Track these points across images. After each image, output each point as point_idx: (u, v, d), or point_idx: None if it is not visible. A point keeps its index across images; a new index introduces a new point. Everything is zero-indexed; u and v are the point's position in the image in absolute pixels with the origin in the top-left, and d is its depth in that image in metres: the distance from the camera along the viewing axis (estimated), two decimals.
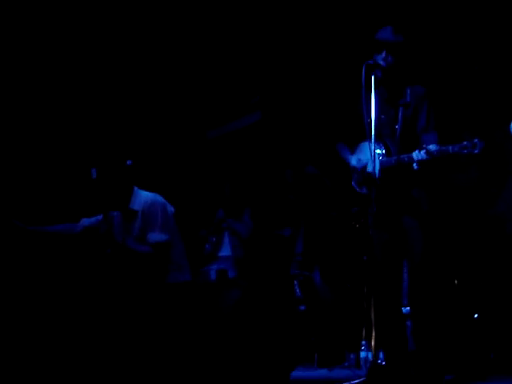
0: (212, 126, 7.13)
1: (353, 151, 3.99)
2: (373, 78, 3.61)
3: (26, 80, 5.87)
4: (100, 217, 4.45)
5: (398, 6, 5.15)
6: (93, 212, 4.56)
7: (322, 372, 4.92)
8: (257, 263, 5.83)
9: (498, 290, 4.60)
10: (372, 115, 3.58)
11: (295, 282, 5.56)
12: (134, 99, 6.53)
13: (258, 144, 6.72)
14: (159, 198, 4.38)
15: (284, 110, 6.48)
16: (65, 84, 6.11)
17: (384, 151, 3.75)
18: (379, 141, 3.75)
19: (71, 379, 3.85)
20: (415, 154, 3.59)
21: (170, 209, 4.40)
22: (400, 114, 3.83)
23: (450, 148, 3.47)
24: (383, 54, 3.77)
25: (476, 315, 4.54)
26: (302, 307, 5.44)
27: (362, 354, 4.72)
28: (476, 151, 3.39)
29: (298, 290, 5.52)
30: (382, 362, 3.97)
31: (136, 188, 4.38)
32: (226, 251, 5.90)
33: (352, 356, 4.96)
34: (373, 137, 3.56)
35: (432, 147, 3.53)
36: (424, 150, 3.55)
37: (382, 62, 3.76)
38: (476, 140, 3.39)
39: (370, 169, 3.71)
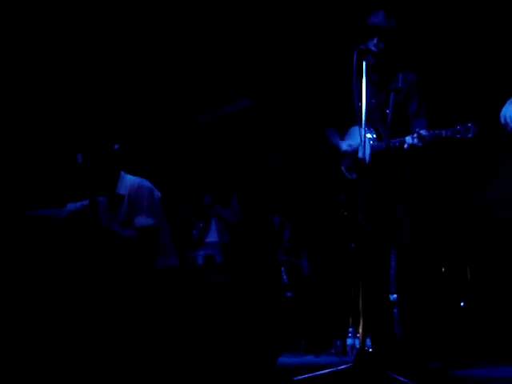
0: (201, 111, 7.09)
1: (342, 136, 3.97)
2: (364, 63, 3.58)
3: (9, 64, 5.80)
4: (86, 202, 4.42)
5: None
6: (79, 197, 4.53)
7: (309, 358, 4.93)
8: (244, 249, 5.83)
9: (484, 278, 4.62)
10: (363, 100, 3.56)
11: (282, 268, 5.56)
12: (122, 83, 6.48)
13: (247, 130, 6.69)
14: (146, 183, 4.35)
15: (273, 96, 6.45)
16: (50, 68, 6.05)
17: (375, 135, 3.74)
18: (370, 125, 3.74)
19: (55, 365, 3.84)
20: (408, 139, 3.58)
21: (157, 193, 4.38)
22: (391, 99, 3.82)
23: (444, 132, 3.46)
24: (375, 41, 3.75)
25: (462, 303, 4.56)
26: (289, 294, 5.44)
27: (349, 341, 4.74)
28: (470, 135, 3.38)
29: (284, 277, 5.52)
30: (368, 348, 3.97)
31: (123, 173, 4.36)
32: (213, 237, 5.89)
33: (338, 343, 4.97)
34: (363, 122, 3.54)
35: (425, 132, 3.52)
36: (416, 135, 3.54)
37: (373, 48, 3.75)
38: (470, 124, 3.38)
39: (360, 154, 3.70)
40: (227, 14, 6.13)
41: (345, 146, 3.90)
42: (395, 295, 4.19)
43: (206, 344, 4.25)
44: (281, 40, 6.14)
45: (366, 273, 3.70)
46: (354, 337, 4.68)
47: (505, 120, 3.68)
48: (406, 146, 3.59)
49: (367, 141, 3.68)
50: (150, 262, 4.28)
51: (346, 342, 4.76)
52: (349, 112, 3.67)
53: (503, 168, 4.73)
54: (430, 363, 3.87)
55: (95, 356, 3.90)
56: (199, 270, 5.41)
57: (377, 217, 3.79)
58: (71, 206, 4.48)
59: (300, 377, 3.33)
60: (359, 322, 3.51)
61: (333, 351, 5.00)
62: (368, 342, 4.17)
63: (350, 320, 4.78)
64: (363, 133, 3.57)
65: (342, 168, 3.94)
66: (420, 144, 3.55)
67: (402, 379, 3.14)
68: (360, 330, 3.52)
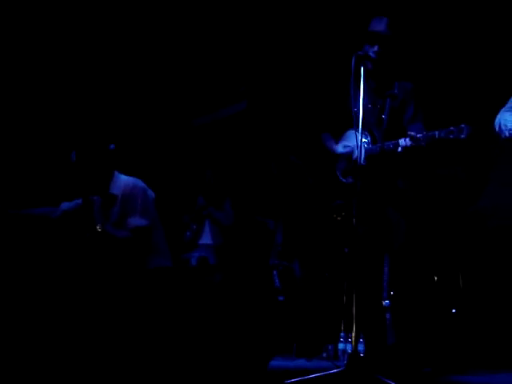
0: (198, 113, 7.09)
1: (338, 141, 3.99)
2: (362, 69, 3.60)
3: (4, 62, 5.79)
4: (80, 201, 4.41)
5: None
6: (72, 195, 4.51)
7: (301, 362, 4.93)
8: (236, 252, 5.83)
9: (477, 286, 4.64)
10: (360, 105, 3.57)
11: (274, 272, 5.56)
12: (120, 84, 6.47)
13: (242, 133, 6.70)
14: (140, 183, 4.34)
15: (270, 100, 6.46)
16: (47, 67, 6.04)
17: (369, 139, 3.76)
18: (365, 129, 3.75)
19: (48, 365, 3.82)
20: (401, 141, 3.60)
21: (151, 194, 4.37)
22: (387, 105, 3.84)
23: (437, 133, 3.48)
24: (376, 48, 3.77)
25: (454, 310, 4.58)
26: (281, 297, 5.44)
27: (341, 346, 4.73)
28: (463, 136, 3.39)
29: (277, 280, 5.52)
30: (360, 353, 3.98)
31: (116, 172, 4.34)
32: (206, 239, 5.90)
33: (330, 347, 4.97)
34: (360, 126, 3.55)
35: (418, 133, 3.54)
36: (409, 137, 3.55)
37: (372, 54, 3.76)
38: (463, 125, 3.39)
39: (355, 157, 3.72)
40: (224, 16, 6.14)
41: (340, 147, 3.92)
42: (387, 301, 4.20)
43: (198, 346, 4.25)
44: (278, 43, 6.15)
45: (359, 278, 3.71)
46: (346, 341, 4.68)
47: (499, 128, 3.70)
48: (399, 148, 3.60)
49: (362, 145, 3.70)
50: (143, 262, 4.27)
51: (337, 346, 4.76)
52: (344, 116, 3.69)
53: (496, 176, 4.76)
54: (421, 368, 3.88)
55: (87, 355, 3.89)
56: (193, 271, 5.41)
57: (371, 221, 3.80)
58: (65, 205, 4.46)
59: (291, 380, 3.34)
60: (351, 327, 3.52)
61: (324, 355, 5.00)
62: (360, 346, 4.19)
63: (342, 325, 4.78)
64: (359, 137, 3.58)
65: (337, 172, 3.95)
66: (414, 144, 3.56)
67: None
68: (352, 335, 3.53)
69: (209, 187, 5.97)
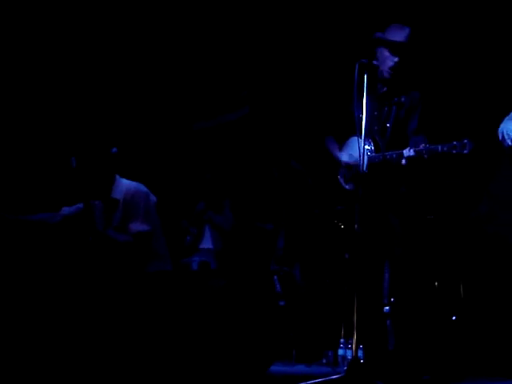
0: (199, 118, 7.10)
1: (341, 146, 3.99)
2: (365, 76, 3.61)
3: (5, 66, 5.81)
4: (81, 205, 4.41)
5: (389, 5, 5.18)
6: (73, 200, 4.52)
7: (300, 368, 4.94)
8: (237, 257, 5.83)
9: (477, 293, 4.64)
10: (363, 113, 3.58)
11: (275, 277, 5.56)
12: (121, 88, 6.48)
13: (244, 138, 6.70)
14: (142, 188, 4.34)
15: (273, 105, 6.47)
16: (47, 71, 6.05)
17: (373, 147, 3.76)
18: (369, 136, 3.76)
19: (49, 370, 3.83)
20: (405, 151, 3.61)
21: (153, 198, 4.37)
22: (393, 113, 3.85)
23: (440, 147, 3.49)
24: (397, 58, 3.76)
25: (454, 317, 4.58)
26: (282, 302, 5.44)
27: (340, 352, 4.73)
28: (465, 151, 3.40)
29: (277, 286, 5.52)
30: (360, 360, 3.98)
31: (118, 177, 4.34)
32: (206, 244, 5.89)
33: (330, 353, 4.98)
34: (363, 134, 3.56)
35: (421, 145, 3.55)
36: (413, 149, 3.56)
37: (391, 63, 3.76)
38: (466, 140, 3.40)
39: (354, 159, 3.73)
40: (227, 21, 6.15)
41: (345, 157, 3.92)
42: (388, 307, 4.21)
43: (198, 350, 4.25)
44: (281, 48, 6.16)
45: (360, 284, 3.72)
46: (346, 347, 4.69)
47: (502, 136, 3.71)
48: (403, 161, 3.61)
49: (365, 152, 3.71)
50: (144, 266, 4.28)
51: (337, 352, 4.76)
52: (348, 122, 3.70)
53: (497, 183, 4.77)
54: (420, 375, 3.88)
55: (88, 358, 3.90)
56: (195, 275, 5.41)
57: (371, 228, 3.81)
58: (65, 210, 4.46)
59: None
60: (351, 333, 3.53)
61: (324, 361, 5.00)
62: (360, 352, 4.19)
63: (342, 331, 4.78)
64: (362, 144, 3.59)
65: (339, 178, 3.95)
66: (416, 156, 3.57)
67: None
68: (352, 341, 3.53)
69: (208, 191, 5.97)
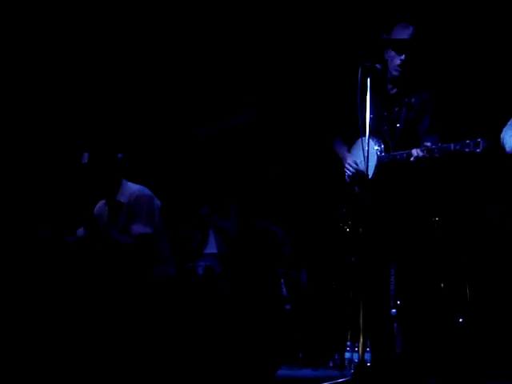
0: (204, 122, 7.11)
1: (349, 148, 3.98)
2: (369, 80, 3.61)
3: (20, 68, 5.84)
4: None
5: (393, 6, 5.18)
6: (79, 196, 4.55)
7: (307, 371, 4.93)
8: (243, 261, 5.83)
9: (484, 295, 4.63)
10: (367, 116, 3.58)
11: (282, 280, 5.56)
12: (126, 92, 6.50)
13: (249, 142, 6.71)
14: (146, 191, 4.35)
15: (278, 109, 6.47)
16: (62, 76, 6.09)
17: (383, 146, 3.74)
18: (379, 137, 3.75)
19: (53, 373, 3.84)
20: (413, 151, 3.58)
21: (157, 202, 4.37)
22: (403, 114, 3.83)
23: (452, 146, 3.44)
24: (403, 56, 3.76)
25: (461, 319, 4.57)
26: (288, 306, 5.44)
27: (347, 355, 4.73)
28: (478, 150, 3.35)
29: (284, 289, 5.52)
30: (367, 363, 3.98)
31: (124, 180, 4.36)
32: (211, 248, 5.88)
33: (336, 356, 4.97)
34: (367, 137, 3.56)
35: (432, 145, 3.52)
36: (424, 148, 3.54)
37: (398, 61, 3.76)
38: (479, 139, 3.35)
39: (361, 167, 3.71)
40: (232, 26, 6.17)
41: (353, 161, 3.92)
42: (394, 310, 4.20)
43: (204, 354, 4.25)
44: (286, 53, 6.17)
45: (366, 287, 3.71)
46: (352, 351, 4.69)
47: (502, 142, 3.69)
48: (412, 158, 3.58)
49: (374, 152, 3.70)
50: (148, 270, 4.28)
51: (344, 355, 4.76)
52: (356, 124, 3.69)
53: (501, 189, 4.76)
54: (428, 378, 3.88)
55: (91, 362, 3.91)
56: (200, 280, 5.41)
57: (377, 230, 3.80)
58: (80, 232, 4.47)
59: None
60: (358, 336, 3.52)
61: (331, 364, 5.00)
62: (366, 356, 4.19)
63: (349, 334, 4.78)
64: (366, 148, 3.59)
65: (346, 178, 3.94)
66: (427, 156, 3.54)
67: None
68: (358, 344, 3.53)
69: (212, 194, 5.96)
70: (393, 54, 3.81)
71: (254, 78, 6.54)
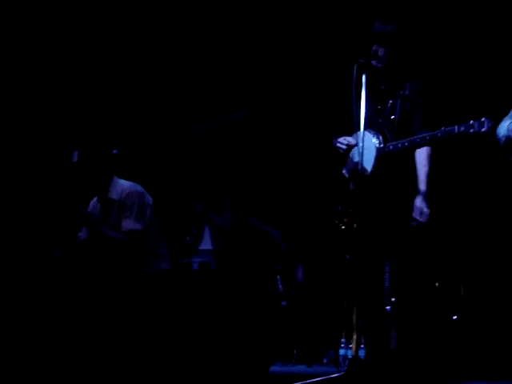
0: (200, 119, 7.11)
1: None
2: (364, 76, 3.61)
3: (12, 65, 5.83)
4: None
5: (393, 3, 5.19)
6: (71, 195, 4.55)
7: (301, 368, 4.95)
8: (239, 257, 5.83)
9: (478, 292, 4.65)
10: (362, 113, 3.58)
11: (278, 277, 5.58)
12: (120, 88, 6.50)
13: (244, 139, 6.71)
14: (137, 188, 4.35)
15: (273, 106, 6.48)
16: (51, 71, 6.08)
17: (381, 139, 3.74)
18: (376, 130, 3.76)
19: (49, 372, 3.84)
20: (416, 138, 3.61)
21: (149, 198, 4.38)
22: (398, 106, 3.83)
23: (456, 128, 3.42)
24: (374, 47, 3.78)
25: (455, 317, 4.59)
26: (284, 303, 5.45)
27: (341, 352, 4.75)
28: (484, 129, 3.32)
29: (280, 286, 5.53)
30: (361, 358, 3.99)
31: (115, 177, 4.36)
32: (206, 245, 5.87)
33: (331, 353, 4.99)
34: (361, 136, 3.57)
35: (435, 132, 3.52)
36: (425, 136, 3.55)
37: (381, 54, 3.77)
38: (484, 118, 3.33)
39: (359, 166, 3.71)
40: (227, 23, 6.16)
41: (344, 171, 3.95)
42: (388, 307, 4.21)
43: (199, 350, 4.26)
44: (281, 50, 6.17)
45: (361, 284, 3.72)
46: (347, 347, 4.70)
47: (500, 137, 3.69)
48: (418, 139, 3.59)
49: (372, 145, 3.70)
50: (142, 266, 4.29)
51: (338, 352, 4.78)
52: (349, 120, 3.70)
53: (497, 185, 4.77)
54: (422, 374, 3.89)
55: (86, 360, 3.91)
56: (196, 275, 5.41)
57: (373, 228, 3.80)
58: (82, 235, 4.48)
59: None
60: (352, 333, 3.53)
61: (325, 361, 5.01)
62: (361, 352, 4.20)
63: (343, 331, 4.79)
64: (360, 145, 3.59)
65: (344, 172, 3.94)
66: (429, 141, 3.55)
67: None
68: (353, 341, 3.53)
69: (207, 191, 5.95)
70: (375, 47, 3.82)
71: (250, 75, 6.54)
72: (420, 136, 3.61)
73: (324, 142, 4.16)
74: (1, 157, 5.67)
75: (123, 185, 4.33)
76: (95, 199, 4.45)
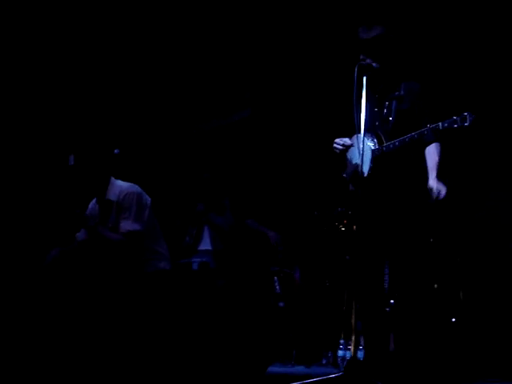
0: (201, 120, 7.12)
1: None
2: (364, 78, 3.63)
3: (11, 66, 5.84)
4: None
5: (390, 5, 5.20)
6: (69, 197, 4.56)
7: (300, 368, 4.95)
8: (237, 258, 5.84)
9: (477, 295, 4.66)
10: (362, 115, 3.60)
11: (275, 278, 5.58)
12: (120, 88, 6.50)
13: (245, 140, 6.72)
14: (135, 188, 4.37)
15: (275, 107, 6.49)
16: (48, 71, 6.08)
17: (376, 141, 3.76)
18: (372, 133, 3.77)
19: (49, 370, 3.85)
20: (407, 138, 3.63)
21: (147, 199, 4.39)
22: (393, 107, 3.84)
23: (440, 124, 3.48)
24: (361, 56, 3.80)
25: (454, 319, 4.60)
26: (281, 304, 5.46)
27: (340, 353, 4.75)
28: (466, 124, 3.38)
29: (277, 287, 5.54)
30: (359, 359, 3.99)
31: (113, 178, 4.37)
32: (205, 245, 5.88)
33: (329, 354, 4.99)
34: (362, 136, 3.58)
35: (422, 129, 3.56)
36: (414, 133, 3.57)
37: (369, 61, 3.79)
38: (465, 113, 3.40)
39: (359, 168, 3.72)
40: (230, 23, 6.17)
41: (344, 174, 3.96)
42: (387, 308, 4.21)
43: (197, 350, 4.27)
44: (284, 51, 6.18)
45: (361, 285, 3.73)
46: (345, 348, 4.70)
47: None
48: (407, 139, 3.61)
49: (368, 148, 3.72)
50: (142, 266, 4.30)
51: (337, 353, 4.78)
52: (350, 122, 3.71)
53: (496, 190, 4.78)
54: (420, 376, 3.90)
55: (85, 359, 3.92)
56: (195, 274, 5.42)
57: (372, 229, 3.81)
58: (80, 236, 4.49)
59: None
60: (351, 334, 3.54)
61: (324, 362, 5.02)
62: (359, 353, 4.21)
63: (342, 332, 4.80)
64: (361, 146, 3.61)
65: (344, 175, 3.96)
66: (416, 138, 3.58)
67: None
68: (351, 342, 3.54)
69: (207, 191, 5.96)
70: (362, 56, 3.84)
71: (252, 76, 6.55)
72: (409, 135, 3.63)
73: (324, 143, 4.17)
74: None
75: (121, 186, 4.34)
76: (94, 200, 4.46)
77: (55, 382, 3.76)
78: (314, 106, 5.88)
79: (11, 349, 4.02)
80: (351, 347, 3.50)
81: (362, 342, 4.01)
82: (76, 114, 6.14)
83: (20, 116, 5.91)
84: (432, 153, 3.78)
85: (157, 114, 6.85)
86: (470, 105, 4.02)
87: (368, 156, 3.72)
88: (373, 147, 3.74)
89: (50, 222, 5.28)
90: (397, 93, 3.87)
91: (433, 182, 3.72)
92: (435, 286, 4.76)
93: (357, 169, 3.72)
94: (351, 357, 3.44)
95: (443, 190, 3.70)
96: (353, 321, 3.46)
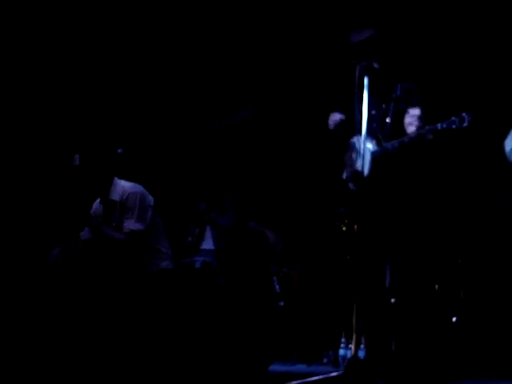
0: (202, 120, 7.13)
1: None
2: (366, 79, 3.64)
3: (13, 66, 5.85)
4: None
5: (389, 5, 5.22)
6: (72, 198, 4.58)
7: (301, 367, 4.97)
8: (237, 257, 5.85)
9: (477, 294, 4.67)
10: (363, 115, 3.61)
11: (274, 278, 5.59)
12: (122, 89, 6.51)
13: (246, 140, 6.73)
14: (138, 188, 4.39)
15: (276, 108, 6.50)
16: (52, 71, 6.10)
17: (375, 143, 3.78)
18: (370, 135, 3.79)
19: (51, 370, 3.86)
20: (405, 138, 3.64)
21: (150, 198, 4.41)
22: (391, 108, 3.86)
23: (439, 125, 3.50)
24: (353, 61, 3.82)
25: (454, 318, 4.61)
26: (281, 303, 5.47)
27: (341, 352, 4.76)
28: (465, 124, 3.40)
29: (277, 286, 5.55)
30: (361, 358, 4.01)
31: (116, 178, 4.39)
32: (208, 244, 5.89)
33: (330, 353, 5.00)
34: (363, 137, 3.60)
35: (420, 129, 3.57)
36: (411, 134, 3.59)
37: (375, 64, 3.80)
38: (464, 114, 3.41)
39: (359, 167, 3.74)
40: (231, 24, 6.18)
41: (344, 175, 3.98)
42: (388, 308, 4.23)
43: (198, 350, 4.28)
44: (285, 52, 6.19)
45: (362, 285, 3.74)
46: (346, 347, 4.71)
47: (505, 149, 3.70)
48: (406, 139, 3.63)
49: (367, 149, 3.74)
50: (145, 265, 4.33)
51: (338, 352, 4.79)
52: (350, 122, 3.73)
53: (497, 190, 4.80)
54: (421, 375, 3.92)
55: (87, 358, 3.93)
56: (198, 273, 5.44)
57: (373, 229, 3.83)
58: (84, 235, 4.51)
59: (291, 383, 3.38)
60: (352, 333, 3.56)
61: (325, 361, 5.03)
62: (360, 352, 4.22)
63: (343, 331, 4.81)
64: (362, 147, 3.63)
65: (343, 174, 3.98)
66: (419, 136, 3.58)
67: None
68: (352, 341, 3.56)
69: (209, 190, 5.97)
70: (354, 61, 3.85)
71: (253, 77, 6.56)
72: (408, 136, 3.64)
73: (325, 143, 4.19)
74: (2, 158, 5.69)
75: (124, 186, 4.36)
76: (98, 200, 4.48)
77: (59, 381, 3.77)
78: (315, 107, 5.89)
79: (15, 348, 4.03)
80: (352, 346, 3.52)
81: (362, 341, 4.03)
82: (80, 114, 6.16)
83: (25, 116, 5.93)
84: None
85: (159, 115, 6.86)
86: (469, 105, 4.05)
87: (367, 158, 3.74)
88: (372, 149, 3.76)
89: (55, 221, 5.30)
90: (393, 94, 3.89)
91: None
92: (436, 286, 4.78)
93: (357, 170, 3.74)
94: (352, 356, 3.46)
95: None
96: (354, 320, 3.48)
